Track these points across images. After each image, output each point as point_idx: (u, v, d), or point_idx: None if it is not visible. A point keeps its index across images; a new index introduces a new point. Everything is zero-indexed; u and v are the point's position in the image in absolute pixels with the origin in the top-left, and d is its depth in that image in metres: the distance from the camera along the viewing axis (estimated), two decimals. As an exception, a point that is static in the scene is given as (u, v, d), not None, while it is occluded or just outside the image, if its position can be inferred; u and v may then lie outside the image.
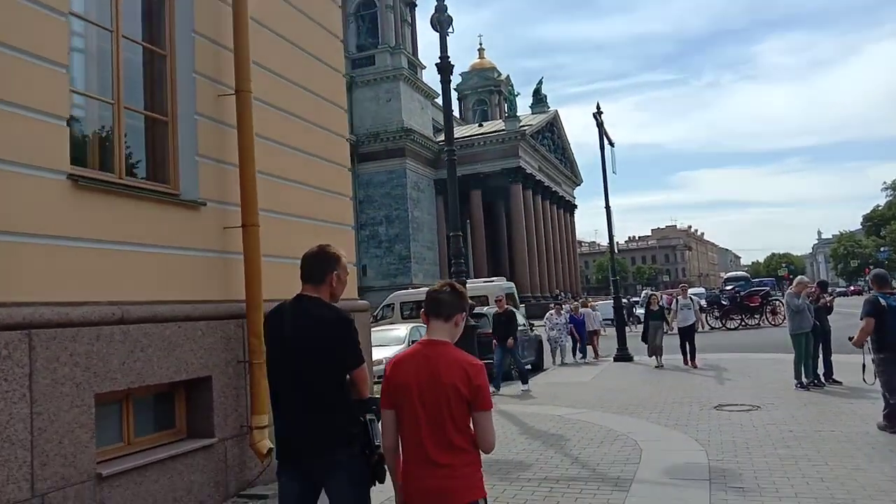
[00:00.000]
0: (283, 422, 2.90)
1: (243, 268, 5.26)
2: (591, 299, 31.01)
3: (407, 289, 52.92)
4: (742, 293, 27.40)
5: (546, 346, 16.62)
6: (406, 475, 2.47)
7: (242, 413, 5.28)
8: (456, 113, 78.08)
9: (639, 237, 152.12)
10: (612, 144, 16.77)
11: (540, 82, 69.18)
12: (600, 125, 15.76)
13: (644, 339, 14.22)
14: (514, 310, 13.67)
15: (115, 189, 4.54)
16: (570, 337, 16.72)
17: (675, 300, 14.11)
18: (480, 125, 65.51)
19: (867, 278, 8.44)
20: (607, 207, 16.52)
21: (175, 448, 4.73)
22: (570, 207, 77.54)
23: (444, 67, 11.48)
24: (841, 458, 5.62)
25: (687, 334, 13.40)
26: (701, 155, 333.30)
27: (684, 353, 13.36)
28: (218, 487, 5.02)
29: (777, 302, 25.49)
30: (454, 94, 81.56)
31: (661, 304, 14.82)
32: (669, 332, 14.25)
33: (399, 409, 2.48)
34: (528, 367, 15.05)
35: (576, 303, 21.05)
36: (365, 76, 55.86)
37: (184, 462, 4.71)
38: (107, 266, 4.35)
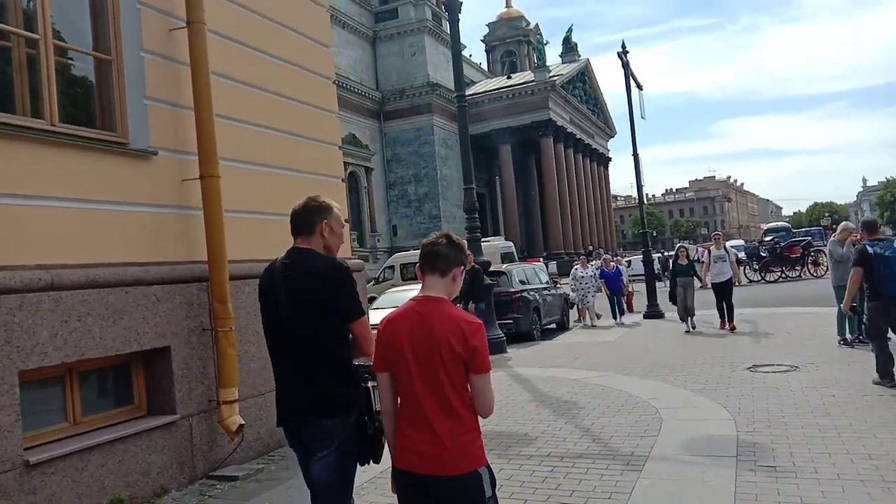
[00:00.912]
0: (279, 385, 2.74)
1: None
2: (618, 254, 29.95)
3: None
4: (782, 244, 26.25)
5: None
6: (401, 437, 2.30)
7: (211, 386, 4.77)
8: (484, 65, 76.24)
9: (676, 189, 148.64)
10: (640, 87, 15.75)
11: (570, 30, 66.74)
12: (626, 65, 14.73)
13: (672, 298, 12.25)
14: (480, 267, 11.36)
15: (44, 137, 3.97)
16: (597, 293, 14.80)
17: (707, 252, 12.18)
18: (509, 77, 63.75)
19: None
20: (635, 155, 15.58)
21: (127, 428, 4.24)
22: (605, 160, 75.67)
23: (452, 4, 10.65)
24: (892, 428, 4.89)
25: (722, 291, 11.51)
26: (739, 102, 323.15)
27: (721, 313, 11.48)
28: (182, 469, 4.53)
29: (819, 252, 24.32)
30: (481, 46, 79.59)
31: (692, 257, 12.90)
32: (703, 287, 12.08)
33: (393, 371, 2.31)
34: (553, 326, 14.47)
35: (606, 255, 19.21)
36: (388, 30, 54.48)
37: (138, 442, 4.22)
38: (34, 225, 3.81)
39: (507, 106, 57.64)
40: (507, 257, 21.77)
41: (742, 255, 26.22)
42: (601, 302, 15.35)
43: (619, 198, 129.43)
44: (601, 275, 15.05)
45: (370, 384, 2.63)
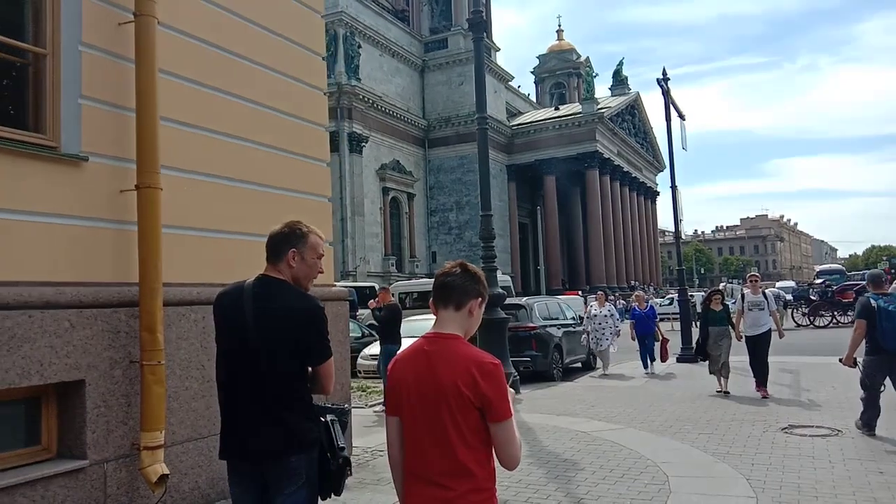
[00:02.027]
0: (235, 419, 2.62)
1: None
2: (662, 289, 28.18)
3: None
4: (834, 287, 24.75)
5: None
6: (407, 494, 2.11)
7: (136, 427, 4.15)
8: (533, 97, 75.92)
9: (727, 227, 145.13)
10: (682, 118, 14.91)
11: (620, 63, 66.03)
12: (666, 93, 13.94)
13: (701, 351, 9.96)
14: (399, 304, 11.17)
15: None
16: (616, 336, 12.76)
17: (741, 296, 9.67)
18: (557, 108, 63.30)
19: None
20: (673, 186, 14.69)
21: (24, 473, 3.63)
22: (652, 194, 74.13)
23: (478, 23, 10.11)
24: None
25: (757, 346, 9.25)
26: (794, 142, 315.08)
27: (755, 372, 9.28)
28: (92, 523, 3.91)
29: (876, 298, 22.73)
30: (531, 78, 79.32)
31: (727, 301, 10.76)
32: (737, 339, 9.68)
33: (401, 416, 2.12)
34: (578, 365, 13.57)
35: (639, 291, 16.46)
36: (437, 60, 54.68)
37: (29, 493, 3.61)
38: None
39: (553, 136, 57.06)
40: (505, 291, 20.38)
41: (789, 296, 24.80)
42: (625, 345, 13.59)
43: (666, 232, 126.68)
44: (632, 315, 13.10)
45: (329, 418, 2.67)
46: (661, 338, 12.61)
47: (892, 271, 31.17)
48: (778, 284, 37.22)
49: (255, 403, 2.54)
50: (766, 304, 9.39)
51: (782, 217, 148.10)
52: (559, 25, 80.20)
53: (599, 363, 13.05)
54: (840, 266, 49.29)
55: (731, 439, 6.38)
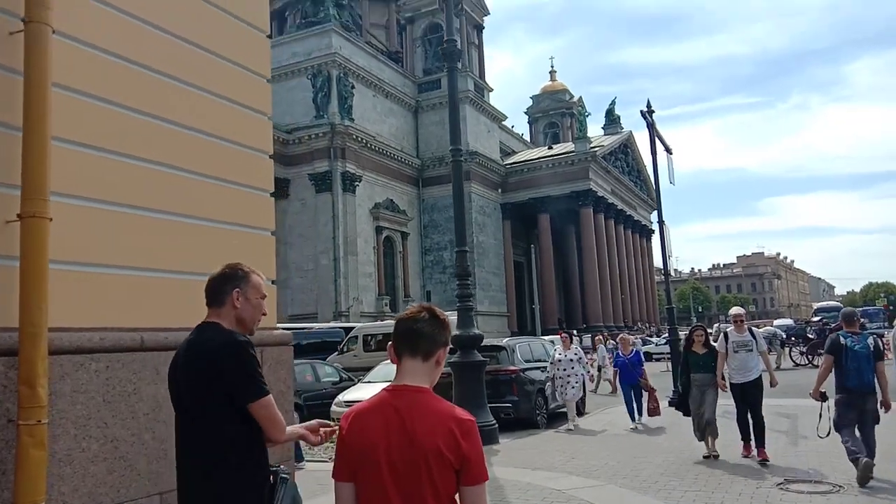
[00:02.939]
0: (180, 485, 2.45)
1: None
2: (660, 329, 27.21)
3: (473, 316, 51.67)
4: (833, 324, 24.13)
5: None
6: None
7: (9, 499, 3.53)
8: (526, 136, 76.25)
9: (723, 265, 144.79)
10: (669, 151, 14.54)
11: (613, 102, 66.58)
12: (651, 125, 13.58)
13: (681, 404, 8.36)
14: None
15: None
16: (581, 379, 11.21)
17: (722, 336, 8.18)
18: (550, 147, 63.47)
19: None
20: (660, 221, 14.25)
21: None
22: (647, 232, 73.91)
23: (451, 53, 9.73)
24: None
25: (747, 396, 7.76)
26: (788, 180, 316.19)
27: (743, 431, 7.83)
28: None
29: (876, 336, 22.11)
30: (524, 118, 79.81)
31: (714, 342, 8.65)
32: (725, 388, 8.14)
33: (360, 482, 1.85)
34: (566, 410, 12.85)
35: (624, 335, 14.14)
36: (430, 100, 54.93)
37: None
38: None
39: (547, 175, 57.09)
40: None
41: (783, 335, 24.14)
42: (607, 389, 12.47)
43: (662, 271, 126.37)
44: (615, 362, 11.53)
45: (281, 476, 2.47)
46: (648, 388, 10.92)
47: (891, 307, 30.63)
48: (775, 322, 36.62)
49: (181, 461, 2.41)
50: (755, 343, 7.97)
51: (779, 254, 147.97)
52: (552, 67, 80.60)
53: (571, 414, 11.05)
54: (838, 303, 48.75)
55: (720, 498, 5.74)
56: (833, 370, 6.65)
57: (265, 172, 5.52)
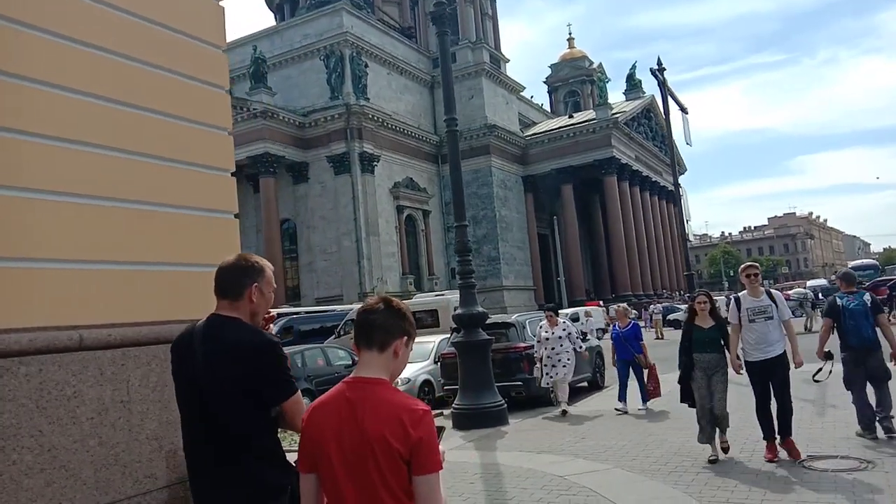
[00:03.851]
0: (198, 479, 2.46)
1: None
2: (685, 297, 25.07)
3: (498, 291, 51.29)
4: (867, 283, 23.28)
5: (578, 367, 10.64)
6: None
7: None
8: (546, 106, 75.01)
9: (755, 227, 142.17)
10: (684, 111, 13.92)
11: (633, 67, 64.67)
12: (662, 84, 12.92)
13: (685, 394, 6.67)
14: None
15: None
16: (572, 357, 9.83)
17: (732, 302, 6.62)
18: (571, 116, 62.34)
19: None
20: (676, 184, 13.66)
21: None
22: (675, 197, 72.59)
23: (440, 16, 9.22)
24: None
25: (768, 377, 6.21)
26: (820, 137, 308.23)
27: (766, 428, 6.21)
28: None
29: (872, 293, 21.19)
30: (544, 88, 78.45)
31: (723, 311, 7.31)
32: (739, 370, 6.43)
33: (319, 474, 1.91)
34: (584, 384, 12.46)
35: (621, 305, 11.82)
36: (446, 74, 54.13)
37: None
38: None
39: (569, 145, 56.12)
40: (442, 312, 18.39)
41: (819, 296, 23.28)
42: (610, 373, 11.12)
43: (694, 236, 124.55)
44: (613, 335, 10.33)
45: None
46: (646, 364, 9.66)
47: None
48: (809, 283, 35.65)
49: (215, 458, 2.38)
50: (775, 310, 6.28)
51: (811, 214, 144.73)
52: (570, 34, 79.49)
53: (560, 396, 9.88)
54: (874, 261, 47.35)
55: (739, 475, 5.30)
56: (836, 332, 6.80)
57: (224, 150, 5.14)
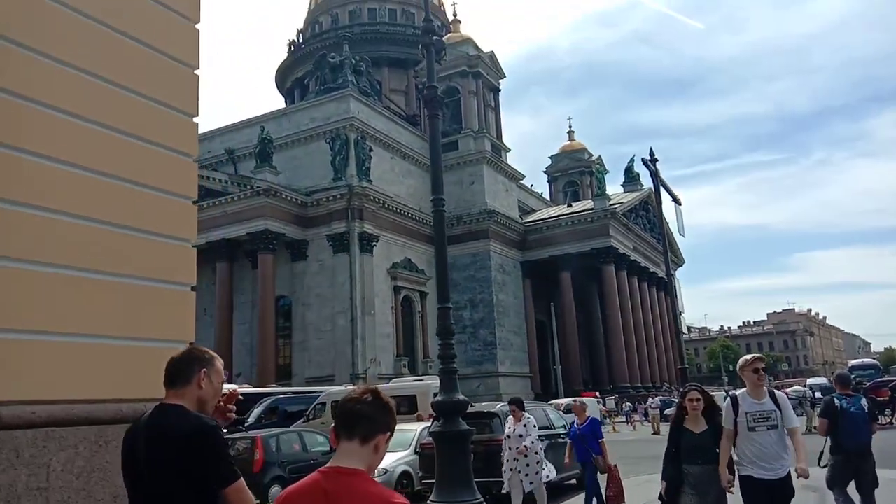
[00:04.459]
0: None
1: None
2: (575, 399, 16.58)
3: (493, 377, 50.38)
4: (867, 384, 22.76)
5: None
6: None
7: None
8: (546, 194, 76.10)
9: (753, 322, 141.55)
10: (677, 202, 13.93)
11: (632, 160, 65.89)
12: (654, 174, 12.96)
13: None
14: None
15: None
16: (541, 457, 8.80)
17: (727, 403, 5.50)
18: (570, 205, 63.13)
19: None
20: (668, 274, 13.47)
21: None
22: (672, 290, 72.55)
23: (432, 99, 9.27)
24: None
25: (769, 502, 5.11)
26: (816, 235, 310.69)
27: None
28: None
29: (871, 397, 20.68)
30: (544, 177, 79.86)
31: (720, 410, 5.61)
32: (728, 488, 5.35)
33: None
34: (573, 482, 11.85)
35: (577, 400, 11.20)
36: (448, 161, 54.92)
37: None
38: None
39: (567, 233, 56.68)
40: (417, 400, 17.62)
41: (818, 394, 22.72)
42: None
43: (692, 329, 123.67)
44: (570, 433, 9.32)
45: None
46: (604, 468, 8.70)
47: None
48: (809, 381, 34.98)
49: None
50: (779, 416, 5.18)
51: (810, 311, 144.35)
52: (570, 127, 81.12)
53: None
54: (874, 361, 46.65)
55: None
56: (829, 433, 6.76)
57: (187, 219, 4.91)
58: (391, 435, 1.98)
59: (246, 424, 17.19)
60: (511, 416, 9.04)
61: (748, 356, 5.65)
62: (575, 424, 9.30)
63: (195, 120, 5.03)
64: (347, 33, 65.65)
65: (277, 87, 79.37)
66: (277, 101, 75.15)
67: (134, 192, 4.45)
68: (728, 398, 5.76)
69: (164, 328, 4.50)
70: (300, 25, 78.72)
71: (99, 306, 4.14)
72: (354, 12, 74.32)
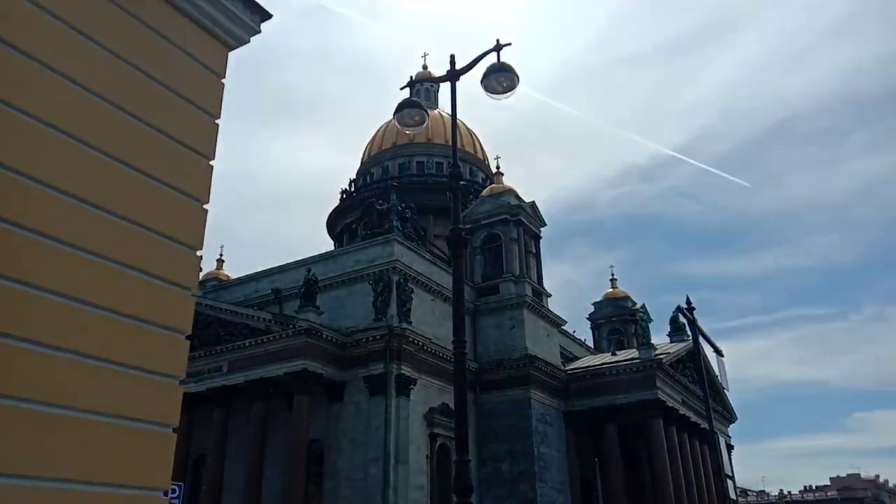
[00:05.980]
0: None
1: None
2: None
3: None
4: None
5: None
6: None
7: None
8: (589, 341, 74.65)
9: (816, 486, 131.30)
10: (719, 353, 13.25)
11: (676, 311, 64.75)
12: (692, 322, 12.44)
13: None
14: None
15: None
16: None
17: None
18: (614, 353, 61.50)
19: None
20: (710, 428, 12.56)
21: None
22: (726, 448, 68.38)
23: (456, 240, 9.21)
24: None
25: None
26: (877, 393, 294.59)
27: None
28: None
29: None
30: (587, 324, 78.77)
31: None
32: None
33: None
34: None
35: None
36: (489, 304, 55.16)
37: None
38: None
39: (611, 383, 54.62)
40: None
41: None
42: None
43: (749, 492, 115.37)
44: None
45: None
46: None
47: None
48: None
49: None
50: None
51: (878, 476, 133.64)
52: (612, 275, 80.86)
53: None
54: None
55: None
56: None
57: (178, 352, 4.70)
58: None
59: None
60: None
61: None
62: None
63: (197, 254, 4.97)
64: (396, 183, 68.56)
65: (328, 231, 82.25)
66: (328, 246, 77.71)
67: (123, 325, 4.29)
68: None
69: (140, 473, 4.16)
70: (353, 176, 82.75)
71: (66, 447, 3.86)
72: (404, 164, 78.02)
